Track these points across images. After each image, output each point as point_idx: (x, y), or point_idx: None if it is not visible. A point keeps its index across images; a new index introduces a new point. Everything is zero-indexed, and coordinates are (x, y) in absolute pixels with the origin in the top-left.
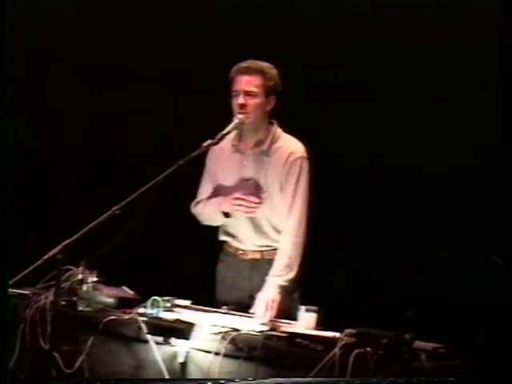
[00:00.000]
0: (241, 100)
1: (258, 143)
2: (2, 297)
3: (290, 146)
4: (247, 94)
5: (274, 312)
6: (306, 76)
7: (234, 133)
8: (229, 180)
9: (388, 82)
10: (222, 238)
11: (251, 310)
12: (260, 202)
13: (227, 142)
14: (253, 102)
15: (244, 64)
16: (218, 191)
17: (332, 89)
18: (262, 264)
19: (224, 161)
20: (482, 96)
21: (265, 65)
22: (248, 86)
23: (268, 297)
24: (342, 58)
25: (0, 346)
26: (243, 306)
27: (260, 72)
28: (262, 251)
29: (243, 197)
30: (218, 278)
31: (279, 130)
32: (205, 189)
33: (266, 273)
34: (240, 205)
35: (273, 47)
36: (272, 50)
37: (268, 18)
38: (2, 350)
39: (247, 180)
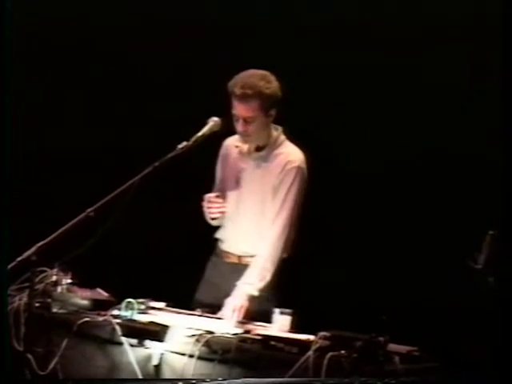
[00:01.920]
0: (240, 127)
1: (259, 148)
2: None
3: (290, 154)
4: (246, 120)
5: (241, 317)
6: (310, 81)
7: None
8: (228, 181)
9: (391, 86)
10: (216, 235)
11: (219, 314)
12: (223, 205)
13: (233, 143)
14: (253, 126)
15: (239, 90)
16: (221, 190)
17: (336, 94)
18: (241, 269)
19: (227, 161)
20: (482, 96)
21: (261, 84)
22: (246, 112)
23: (236, 303)
24: (346, 62)
25: None
26: (217, 306)
27: (257, 95)
28: (240, 256)
29: (211, 199)
30: (205, 276)
31: (282, 137)
32: (215, 186)
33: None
34: (207, 207)
35: (272, 52)
36: (271, 55)
37: (268, 22)
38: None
39: (243, 183)
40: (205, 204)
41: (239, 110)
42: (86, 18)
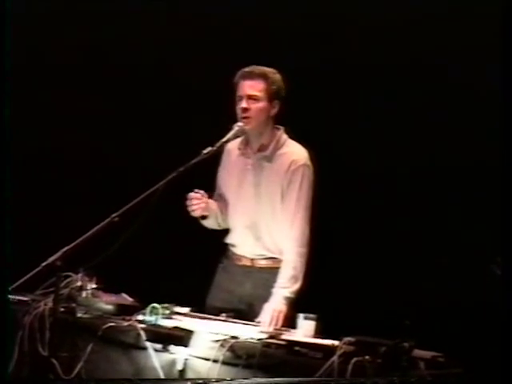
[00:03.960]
0: (244, 104)
1: (262, 148)
2: (2, 303)
3: (294, 153)
4: (250, 98)
5: (280, 323)
6: (311, 80)
7: (241, 137)
8: (233, 183)
9: (394, 84)
10: (226, 240)
11: (257, 319)
12: (202, 200)
13: (235, 146)
14: (255, 106)
15: (247, 69)
16: (221, 194)
17: (338, 92)
18: (253, 272)
19: (230, 164)
20: (482, 96)
21: (268, 69)
22: (251, 90)
23: (275, 307)
24: (350, 61)
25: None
26: (231, 310)
27: (263, 76)
28: (252, 259)
29: (190, 196)
30: (216, 280)
31: (285, 136)
32: (217, 190)
33: (256, 281)
34: (188, 205)
35: (277, 52)
36: (276, 55)
37: (272, 22)
38: (2, 356)
39: (247, 184)
40: (187, 203)
41: (244, 87)
42: (93, 20)
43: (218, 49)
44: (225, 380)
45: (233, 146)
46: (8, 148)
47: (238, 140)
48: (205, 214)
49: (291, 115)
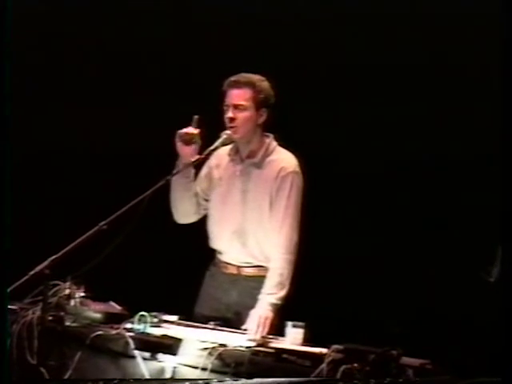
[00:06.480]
0: (230, 114)
1: (251, 154)
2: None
3: (283, 160)
4: (236, 107)
5: (266, 329)
6: (302, 87)
7: (231, 144)
8: (221, 189)
9: (389, 88)
10: (212, 245)
11: (243, 327)
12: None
13: (226, 152)
14: (242, 115)
15: (234, 77)
16: (213, 200)
17: (329, 99)
18: (240, 280)
19: (219, 170)
20: (482, 97)
21: (255, 77)
22: (237, 99)
23: (261, 314)
24: (341, 65)
25: None
26: (219, 318)
27: (250, 85)
28: (239, 267)
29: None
30: (203, 288)
31: (274, 143)
32: (203, 194)
33: (243, 289)
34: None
35: (267, 58)
36: (266, 61)
37: (264, 29)
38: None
39: (235, 190)
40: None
41: (231, 96)
42: (92, 18)
43: (212, 53)
44: (213, 381)
45: (223, 152)
46: (8, 151)
47: (229, 146)
48: (194, 145)
49: (281, 122)
